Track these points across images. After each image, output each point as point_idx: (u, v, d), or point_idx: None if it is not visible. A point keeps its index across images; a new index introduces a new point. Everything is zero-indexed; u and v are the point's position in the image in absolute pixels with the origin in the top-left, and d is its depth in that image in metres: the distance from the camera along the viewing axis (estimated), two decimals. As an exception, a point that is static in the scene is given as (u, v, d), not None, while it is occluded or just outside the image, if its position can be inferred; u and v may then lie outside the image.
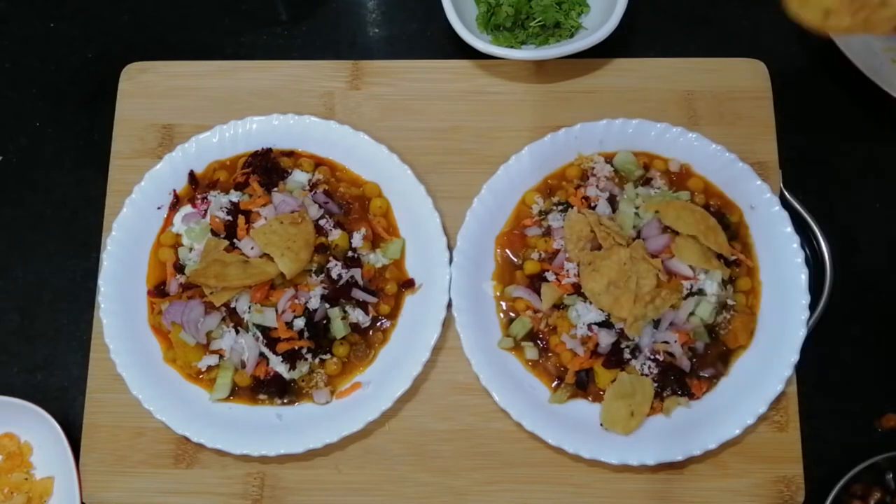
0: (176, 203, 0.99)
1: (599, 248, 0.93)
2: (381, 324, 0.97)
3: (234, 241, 0.94)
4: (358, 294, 0.95)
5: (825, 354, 0.98)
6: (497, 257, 0.98)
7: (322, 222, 0.96)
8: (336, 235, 0.96)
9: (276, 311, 0.92)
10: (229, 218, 0.95)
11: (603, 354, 0.93)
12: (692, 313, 0.92)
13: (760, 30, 1.11)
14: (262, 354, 0.93)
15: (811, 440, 0.94)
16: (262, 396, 0.94)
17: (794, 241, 0.96)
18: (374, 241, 0.99)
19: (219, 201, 0.96)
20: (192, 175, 1.00)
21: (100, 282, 0.96)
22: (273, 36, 1.12)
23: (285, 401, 0.94)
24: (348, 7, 1.14)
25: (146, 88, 1.06)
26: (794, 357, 0.92)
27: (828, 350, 0.98)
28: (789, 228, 0.96)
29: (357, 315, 0.95)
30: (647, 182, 1.00)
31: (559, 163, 1.01)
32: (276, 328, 0.92)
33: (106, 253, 0.97)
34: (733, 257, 0.95)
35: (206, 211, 0.97)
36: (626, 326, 0.90)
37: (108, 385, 0.96)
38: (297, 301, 0.92)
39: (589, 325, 0.92)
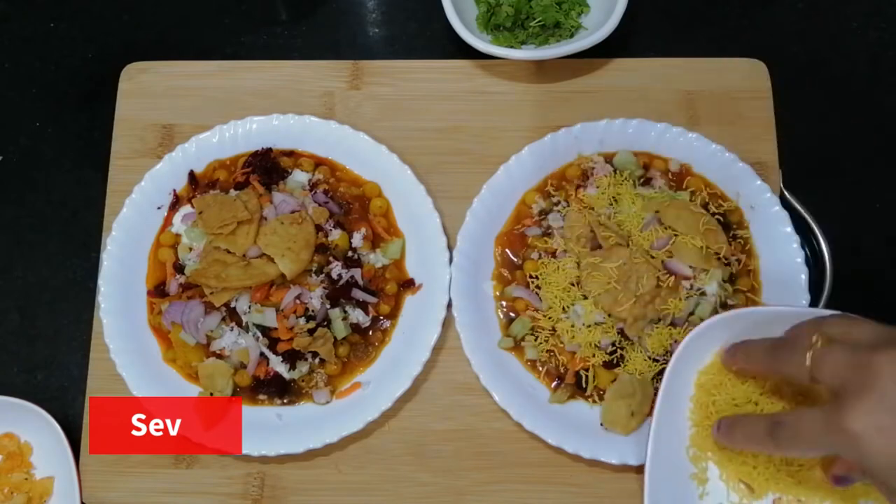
0: (176, 203, 0.99)
1: (599, 248, 0.93)
2: (381, 324, 0.97)
3: (234, 241, 0.94)
4: (358, 294, 0.95)
5: (825, 354, 0.98)
6: (497, 257, 0.98)
7: (322, 222, 0.96)
8: (336, 235, 0.96)
9: (279, 310, 0.92)
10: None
11: (603, 354, 0.93)
12: (692, 313, 0.92)
13: (760, 30, 1.11)
14: (262, 354, 0.93)
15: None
16: (262, 396, 0.94)
17: (794, 241, 0.96)
18: (374, 241, 0.99)
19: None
20: (192, 175, 1.00)
21: (100, 282, 0.96)
22: (273, 36, 1.12)
23: (285, 401, 0.94)
24: (348, 7, 1.14)
25: (146, 88, 1.06)
26: (794, 357, 0.91)
27: (828, 350, 0.98)
28: (789, 228, 0.96)
29: (357, 315, 0.95)
30: (647, 182, 1.00)
31: (559, 163, 1.01)
32: (276, 328, 0.92)
33: (106, 253, 0.97)
34: (733, 257, 0.95)
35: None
36: (626, 326, 0.90)
37: (108, 385, 0.95)
38: (298, 301, 0.92)
39: (589, 326, 0.92)
